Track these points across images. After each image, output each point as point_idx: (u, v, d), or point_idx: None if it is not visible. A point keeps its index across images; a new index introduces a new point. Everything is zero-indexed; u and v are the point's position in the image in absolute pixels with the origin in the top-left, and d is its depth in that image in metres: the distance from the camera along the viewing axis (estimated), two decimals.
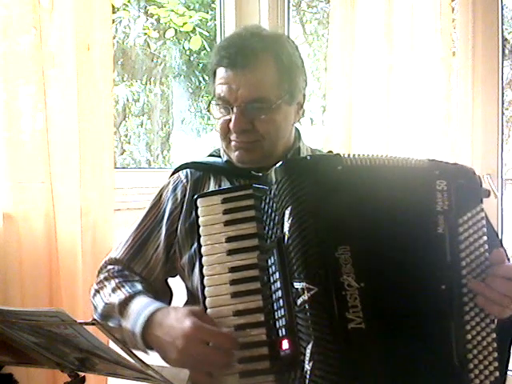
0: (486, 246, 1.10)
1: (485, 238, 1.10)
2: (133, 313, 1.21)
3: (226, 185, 1.38)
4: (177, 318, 1.12)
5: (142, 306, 1.21)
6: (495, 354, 1.08)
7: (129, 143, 3.70)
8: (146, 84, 3.75)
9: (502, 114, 2.79)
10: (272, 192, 1.12)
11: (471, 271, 1.09)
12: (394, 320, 1.05)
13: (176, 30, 3.54)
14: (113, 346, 1.00)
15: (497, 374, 1.08)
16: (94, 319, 0.92)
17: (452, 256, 1.09)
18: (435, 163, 1.15)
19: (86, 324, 0.91)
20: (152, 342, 1.16)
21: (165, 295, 1.41)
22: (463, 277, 1.09)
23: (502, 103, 2.78)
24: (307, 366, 0.99)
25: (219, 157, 1.44)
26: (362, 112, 2.58)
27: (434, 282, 1.08)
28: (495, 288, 1.07)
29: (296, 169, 1.11)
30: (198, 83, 3.82)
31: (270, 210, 1.13)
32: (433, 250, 1.09)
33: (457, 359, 1.07)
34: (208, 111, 1.38)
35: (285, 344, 1.04)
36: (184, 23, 3.50)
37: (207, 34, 3.49)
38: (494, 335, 1.08)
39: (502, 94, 2.80)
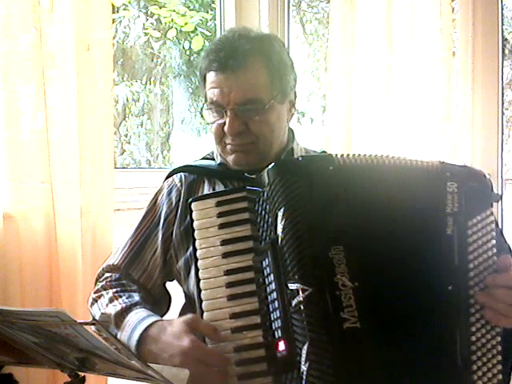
0: (495, 250, 1.10)
1: (493, 241, 1.10)
2: (128, 326, 1.21)
3: (219, 188, 1.39)
4: (174, 333, 1.12)
5: (138, 320, 1.20)
6: (499, 357, 1.07)
7: (129, 143, 3.70)
8: (146, 84, 3.76)
9: (502, 113, 2.79)
10: (265, 194, 1.12)
11: (478, 274, 1.09)
12: (392, 319, 1.05)
13: (177, 29, 3.55)
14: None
15: (500, 376, 1.07)
16: (94, 319, 0.92)
17: (460, 258, 1.09)
18: (446, 165, 1.15)
19: (86, 324, 0.91)
20: (147, 357, 1.15)
21: (163, 300, 1.41)
22: (470, 279, 1.09)
23: (502, 103, 2.78)
24: (303, 367, 0.99)
25: (213, 159, 1.44)
26: (362, 112, 2.58)
27: (441, 282, 1.08)
28: (498, 298, 1.07)
29: (288, 170, 1.11)
30: (198, 83, 3.82)
31: (263, 212, 1.13)
32: (440, 251, 1.09)
33: (460, 360, 1.07)
34: (201, 116, 1.38)
35: (281, 345, 1.04)
36: (185, 23, 3.50)
37: (208, 34, 3.50)
38: (499, 338, 1.08)
39: (502, 94, 2.80)
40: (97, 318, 1.30)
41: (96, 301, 1.33)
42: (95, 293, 1.36)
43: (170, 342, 1.12)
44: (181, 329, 1.12)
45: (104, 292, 1.33)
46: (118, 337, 1.22)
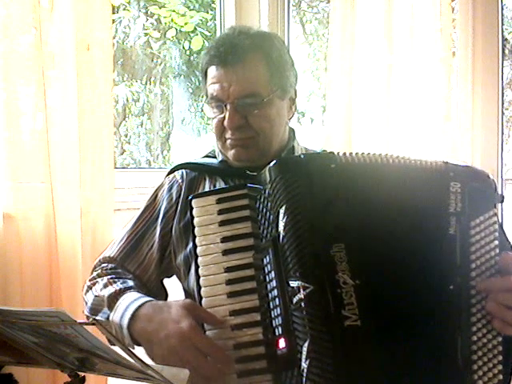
0: (497, 250, 1.10)
1: (496, 242, 1.10)
2: (121, 305, 1.20)
3: (220, 185, 1.39)
4: (171, 315, 1.11)
5: (131, 300, 1.20)
6: (500, 357, 1.07)
7: (129, 143, 3.71)
8: (146, 84, 3.76)
9: (502, 113, 2.79)
10: (266, 191, 1.12)
11: (480, 274, 1.09)
12: (392, 317, 1.05)
13: (177, 29, 3.55)
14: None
15: (500, 376, 1.07)
16: (94, 319, 0.92)
17: (462, 257, 1.09)
18: (450, 165, 1.15)
19: (86, 324, 0.91)
20: (139, 335, 1.15)
21: (160, 296, 1.40)
22: (472, 279, 1.08)
23: (502, 103, 2.78)
24: (304, 365, 0.99)
25: (214, 157, 1.45)
26: (362, 112, 2.58)
27: (442, 281, 1.08)
28: (502, 302, 1.07)
29: (289, 167, 1.11)
30: (198, 83, 3.83)
31: (264, 210, 1.13)
32: (442, 250, 1.09)
33: (461, 360, 1.06)
34: (203, 112, 1.39)
35: (281, 343, 1.04)
36: (185, 23, 3.51)
37: (208, 34, 3.50)
38: (500, 338, 1.08)
39: (502, 94, 2.80)
40: (90, 302, 1.30)
41: (90, 288, 1.34)
42: (90, 280, 1.36)
43: (167, 322, 1.11)
44: (179, 312, 1.11)
45: (99, 279, 1.34)
46: (111, 318, 1.21)
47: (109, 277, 1.33)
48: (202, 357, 1.06)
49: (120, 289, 1.26)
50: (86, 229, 1.86)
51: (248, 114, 1.32)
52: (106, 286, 1.30)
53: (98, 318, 1.25)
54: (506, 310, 1.07)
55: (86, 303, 1.33)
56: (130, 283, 1.30)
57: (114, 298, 1.24)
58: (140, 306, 1.17)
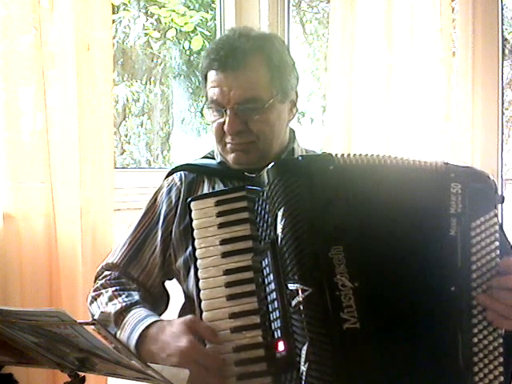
0: (498, 252, 1.10)
1: (497, 243, 1.10)
2: (128, 326, 1.21)
3: (219, 187, 1.38)
4: (172, 333, 1.13)
5: (137, 320, 1.21)
6: (501, 359, 1.07)
7: (129, 143, 3.71)
8: (146, 84, 3.76)
9: (502, 113, 2.79)
10: (265, 193, 1.12)
11: (481, 275, 1.09)
12: (392, 318, 1.05)
13: (177, 29, 3.55)
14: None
15: (501, 378, 1.07)
16: (94, 319, 0.92)
17: (463, 259, 1.09)
18: (450, 166, 1.15)
19: (86, 324, 0.91)
20: (146, 356, 1.16)
21: (162, 299, 1.41)
22: (473, 280, 1.09)
23: (502, 103, 2.78)
24: (303, 367, 0.99)
25: (213, 158, 1.44)
26: (362, 112, 2.58)
27: (442, 282, 1.08)
28: (501, 300, 1.07)
29: (288, 169, 1.11)
30: (198, 83, 3.82)
31: (263, 212, 1.13)
32: (443, 252, 1.09)
33: (462, 361, 1.07)
34: (202, 115, 1.39)
35: (280, 345, 1.04)
36: (185, 23, 3.51)
37: (208, 34, 3.50)
38: (501, 340, 1.08)
39: (502, 94, 2.80)
40: (96, 316, 1.30)
41: (95, 299, 1.33)
42: (94, 291, 1.36)
43: (168, 341, 1.12)
44: (180, 329, 1.12)
45: (103, 290, 1.33)
46: (118, 336, 1.22)
47: (113, 289, 1.32)
48: (202, 369, 1.07)
49: (126, 305, 1.26)
50: (86, 229, 1.86)
51: (248, 119, 1.31)
52: (110, 299, 1.30)
53: None
54: (499, 303, 1.07)
55: (93, 315, 1.32)
56: (136, 297, 1.30)
57: (120, 315, 1.25)
58: (146, 328, 1.18)
